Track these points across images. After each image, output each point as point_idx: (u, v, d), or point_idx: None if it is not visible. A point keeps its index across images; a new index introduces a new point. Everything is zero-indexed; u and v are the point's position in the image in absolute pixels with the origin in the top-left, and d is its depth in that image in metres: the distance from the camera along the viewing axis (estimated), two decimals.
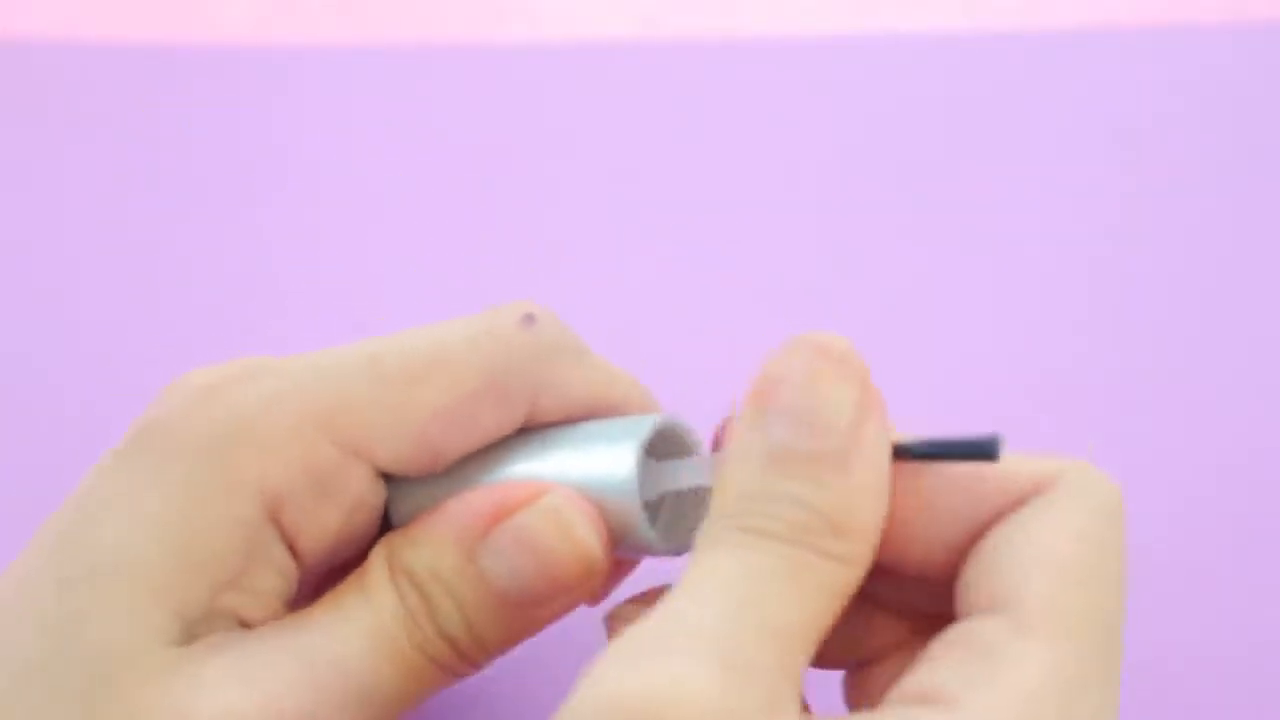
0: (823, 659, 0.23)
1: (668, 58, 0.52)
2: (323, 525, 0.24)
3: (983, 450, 0.21)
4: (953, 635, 0.20)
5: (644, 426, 0.25)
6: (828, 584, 0.20)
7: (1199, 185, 0.44)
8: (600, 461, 0.24)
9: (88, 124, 0.51)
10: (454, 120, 0.49)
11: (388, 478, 0.25)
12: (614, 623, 0.24)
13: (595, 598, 0.28)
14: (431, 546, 0.24)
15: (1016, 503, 0.21)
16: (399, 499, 0.26)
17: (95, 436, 0.38)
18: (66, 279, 0.44)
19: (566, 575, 0.24)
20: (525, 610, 0.24)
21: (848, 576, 0.21)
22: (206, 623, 0.23)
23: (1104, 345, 0.39)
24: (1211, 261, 0.42)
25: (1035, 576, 0.20)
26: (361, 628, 0.23)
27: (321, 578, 0.26)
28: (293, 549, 0.24)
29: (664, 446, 0.26)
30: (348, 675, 0.23)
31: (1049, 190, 0.44)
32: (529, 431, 0.26)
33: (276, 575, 0.24)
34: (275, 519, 0.23)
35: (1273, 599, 0.33)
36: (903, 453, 0.22)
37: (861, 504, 0.21)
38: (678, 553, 0.25)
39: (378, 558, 0.24)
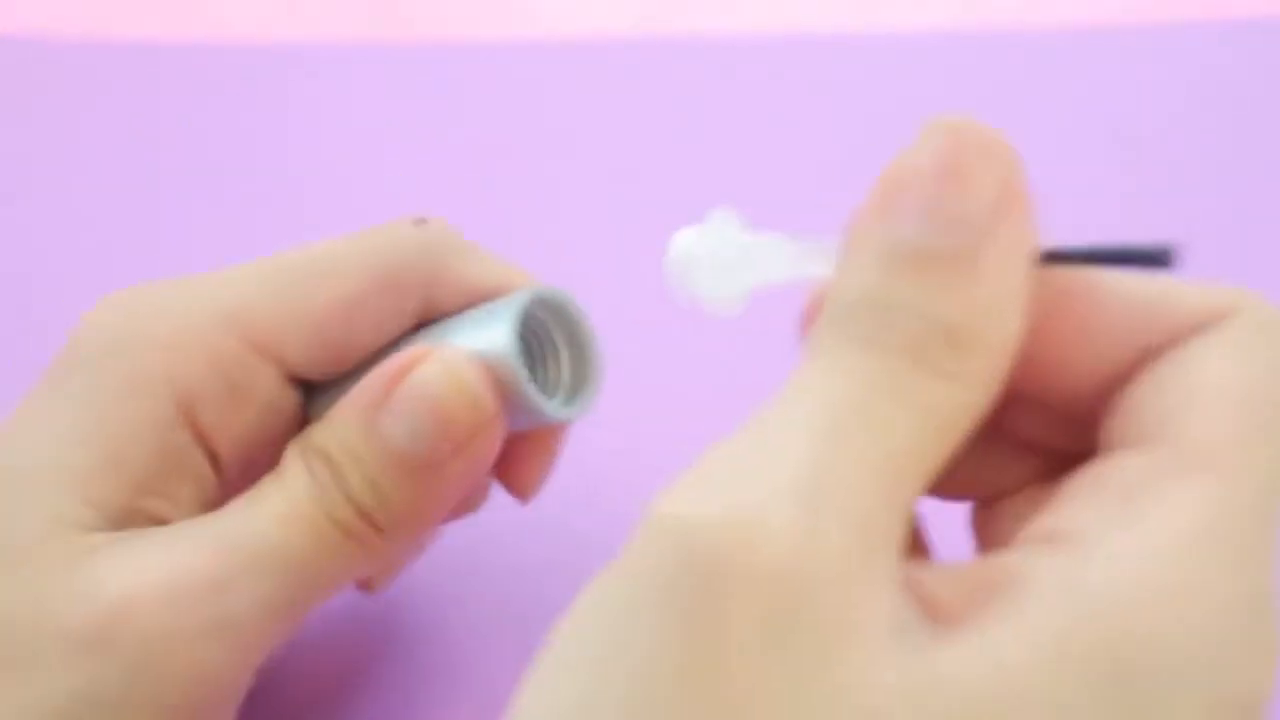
0: (945, 489, 0.20)
1: (666, 56, 0.52)
2: (237, 426, 0.25)
3: (1154, 258, 0.18)
4: (1095, 471, 0.18)
5: (522, 295, 0.26)
6: (944, 407, 0.17)
7: (1198, 184, 0.44)
8: (485, 331, 0.25)
9: (88, 124, 0.51)
10: (454, 118, 0.49)
11: (306, 392, 0.26)
12: None
13: (483, 489, 0.29)
14: (337, 422, 0.24)
15: (1184, 333, 0.19)
16: (317, 411, 0.27)
17: None
18: (67, 279, 0.44)
19: (461, 426, 0.24)
20: (426, 472, 0.24)
21: (968, 400, 0.18)
22: (128, 523, 0.23)
23: None
24: (1213, 261, 0.41)
25: (1200, 408, 0.17)
26: (273, 504, 0.24)
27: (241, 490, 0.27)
28: (210, 454, 0.25)
29: (564, 326, 0.27)
30: (259, 547, 0.23)
31: (1050, 188, 0.44)
32: (426, 325, 0.27)
33: (194, 481, 0.25)
34: (190, 420, 0.24)
35: None
36: (1054, 258, 0.19)
37: (989, 315, 0.18)
38: (570, 419, 0.27)
39: (292, 449, 0.25)
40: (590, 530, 0.35)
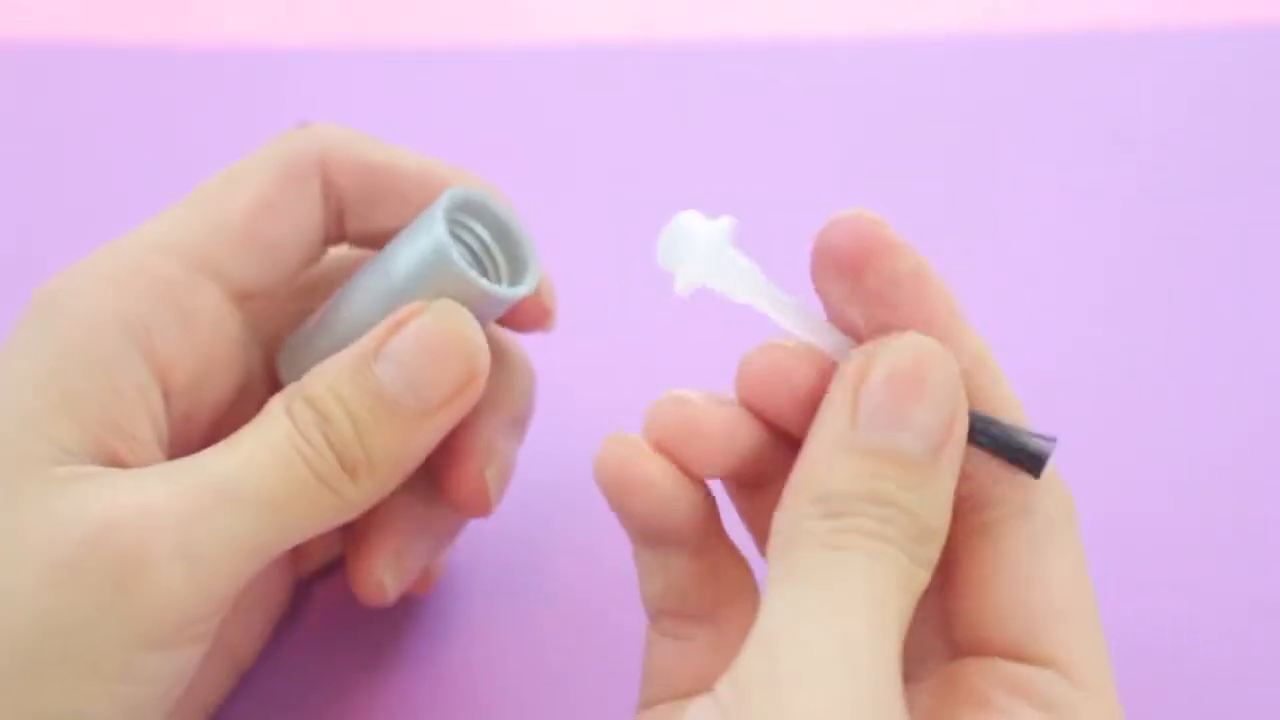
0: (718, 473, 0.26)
1: (664, 60, 0.52)
2: (189, 354, 0.25)
3: (1034, 457, 0.23)
4: (1014, 684, 0.22)
5: (441, 200, 0.27)
6: (919, 590, 0.22)
7: (1202, 187, 0.44)
8: (416, 244, 0.26)
9: (88, 127, 0.51)
10: (452, 122, 0.49)
11: (281, 355, 0.28)
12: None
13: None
14: (329, 370, 0.25)
15: (1004, 509, 0.23)
16: (291, 372, 0.27)
17: None
18: None
19: (454, 378, 0.25)
20: (414, 422, 0.25)
21: (926, 581, 0.22)
22: (92, 463, 0.24)
23: (1106, 346, 0.39)
24: (1213, 262, 0.42)
25: (1072, 635, 0.23)
26: (249, 448, 0.24)
27: (203, 435, 0.27)
28: (164, 389, 0.26)
29: (487, 221, 0.29)
30: (232, 487, 0.24)
31: (1051, 192, 0.44)
32: (366, 262, 0.28)
33: (150, 420, 0.25)
34: (147, 352, 0.25)
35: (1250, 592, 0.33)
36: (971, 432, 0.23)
37: (945, 511, 0.22)
38: (521, 295, 0.28)
39: (276, 399, 0.25)
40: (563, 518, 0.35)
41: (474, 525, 0.32)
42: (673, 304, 0.43)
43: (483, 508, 0.29)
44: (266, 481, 0.24)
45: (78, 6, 0.58)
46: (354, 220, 0.28)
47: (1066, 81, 0.48)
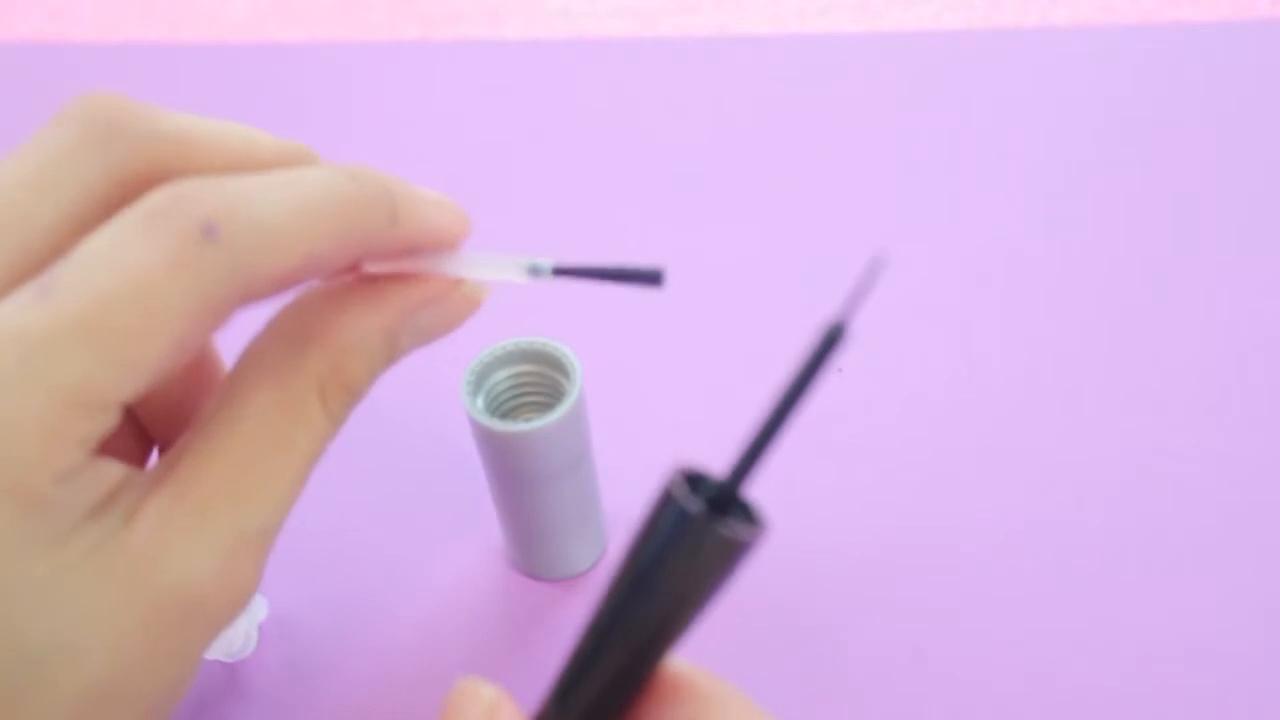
0: None
1: (664, 55, 0.52)
2: (92, 449, 0.23)
3: (648, 278, 0.23)
4: None
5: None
6: None
7: (1192, 183, 0.44)
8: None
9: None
10: (452, 115, 0.49)
11: None
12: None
13: None
14: (362, 346, 0.25)
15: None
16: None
17: None
18: None
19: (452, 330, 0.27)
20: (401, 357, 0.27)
21: None
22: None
23: (1092, 337, 0.39)
24: (1209, 257, 0.42)
25: None
26: (302, 446, 0.25)
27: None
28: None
29: None
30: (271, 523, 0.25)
31: (1039, 183, 0.44)
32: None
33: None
34: (62, 478, 0.23)
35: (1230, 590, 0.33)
36: (562, 272, 0.25)
37: None
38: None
39: (307, 388, 0.25)
40: None
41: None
42: (672, 298, 0.43)
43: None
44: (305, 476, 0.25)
45: (78, 9, 0.58)
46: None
47: (1062, 76, 0.48)
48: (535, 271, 0.27)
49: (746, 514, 0.19)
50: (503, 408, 0.31)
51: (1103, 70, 0.49)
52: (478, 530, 0.36)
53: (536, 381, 0.31)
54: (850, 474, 0.36)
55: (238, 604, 0.24)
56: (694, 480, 0.19)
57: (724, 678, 0.22)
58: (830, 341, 0.18)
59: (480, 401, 0.31)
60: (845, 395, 0.38)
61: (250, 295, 0.23)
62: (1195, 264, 0.41)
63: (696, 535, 0.19)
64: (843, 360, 0.39)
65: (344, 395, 0.25)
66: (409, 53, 0.53)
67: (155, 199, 0.23)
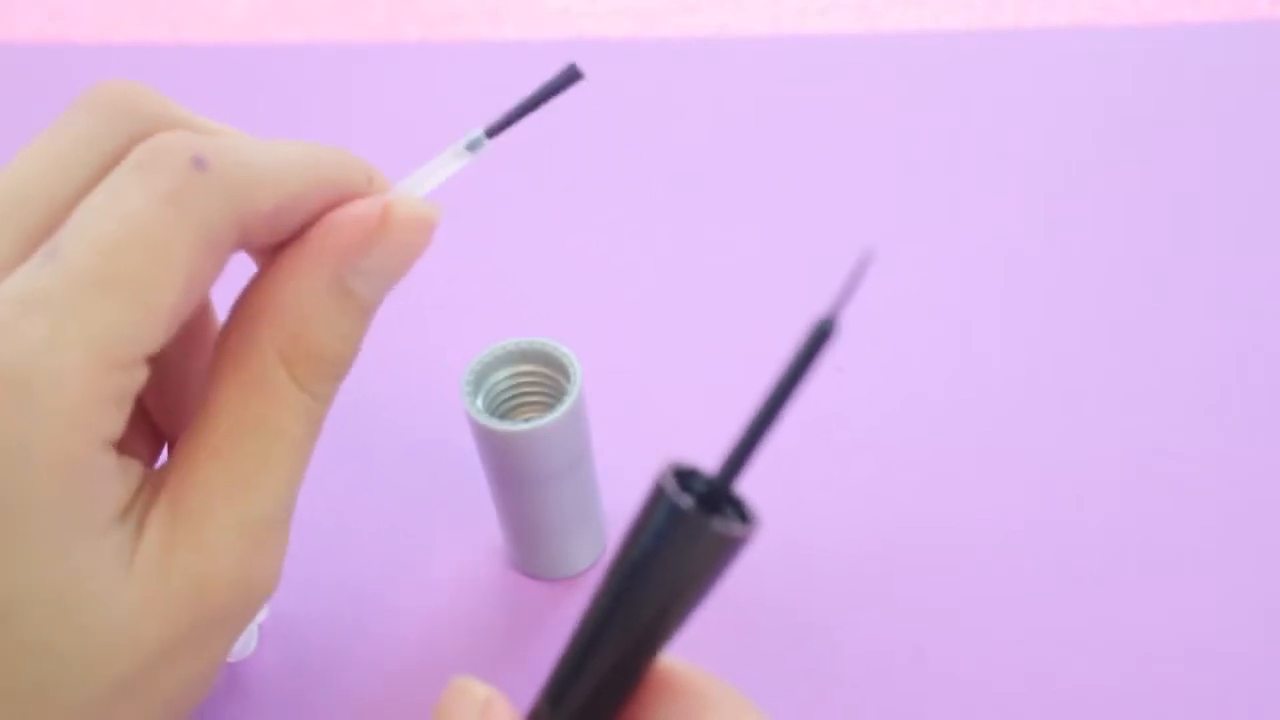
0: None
1: (664, 55, 0.52)
2: (128, 413, 0.23)
3: (565, 75, 0.24)
4: None
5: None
6: None
7: (1191, 183, 0.44)
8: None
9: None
10: (452, 116, 0.49)
11: None
12: None
13: None
14: (312, 310, 0.24)
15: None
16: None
17: None
18: None
19: (417, 258, 0.25)
20: (374, 308, 0.25)
21: None
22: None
23: (1092, 337, 0.39)
24: (1208, 257, 0.42)
25: None
26: (280, 424, 0.24)
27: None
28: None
29: None
30: (280, 512, 0.24)
31: (1046, 186, 0.44)
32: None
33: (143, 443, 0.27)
34: (106, 445, 0.23)
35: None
36: (494, 131, 0.26)
37: None
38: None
39: (271, 361, 0.24)
40: None
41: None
42: (672, 298, 0.43)
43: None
44: (299, 434, 0.24)
45: (78, 10, 0.58)
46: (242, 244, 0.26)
47: (1062, 76, 0.48)
48: (474, 146, 0.27)
49: (739, 509, 0.19)
50: (502, 408, 0.31)
51: (1102, 71, 0.49)
52: (477, 530, 0.36)
53: (536, 381, 0.31)
54: (850, 473, 0.36)
55: (255, 598, 0.24)
56: (685, 476, 0.19)
57: (722, 676, 0.22)
58: (819, 338, 0.18)
59: (480, 401, 0.31)
60: (845, 395, 0.38)
61: (249, 229, 0.23)
62: (1195, 264, 0.41)
63: (688, 531, 0.19)
64: (842, 359, 0.39)
65: (313, 364, 0.24)
66: (409, 53, 0.54)
67: (143, 147, 0.23)
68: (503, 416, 0.31)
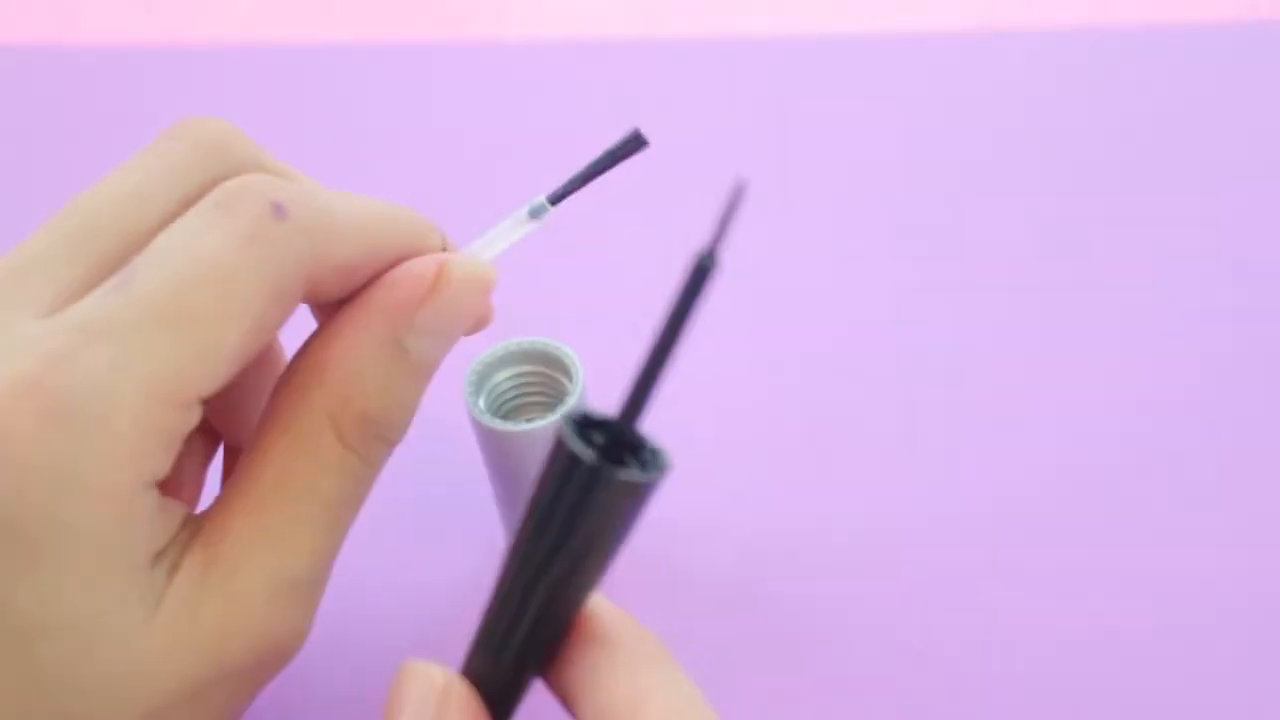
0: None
1: (666, 56, 0.52)
2: (176, 453, 0.23)
3: (631, 141, 0.24)
4: None
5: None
6: None
7: (1190, 184, 0.44)
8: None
9: (87, 128, 0.51)
10: (453, 117, 0.49)
11: None
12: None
13: None
14: (367, 369, 0.23)
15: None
16: None
17: None
18: None
19: (473, 320, 0.25)
20: (433, 369, 0.25)
21: None
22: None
23: (1093, 337, 0.39)
24: (1207, 257, 0.42)
25: None
26: (325, 492, 0.24)
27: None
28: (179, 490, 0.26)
29: None
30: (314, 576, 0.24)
31: (1046, 187, 0.44)
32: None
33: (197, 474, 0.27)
34: (150, 485, 0.22)
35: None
36: (566, 192, 0.26)
37: None
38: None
39: (321, 424, 0.23)
40: None
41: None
42: (671, 291, 0.43)
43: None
44: (347, 495, 0.24)
45: (78, 11, 0.58)
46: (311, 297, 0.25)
47: (1062, 77, 0.48)
48: (538, 213, 0.27)
49: (649, 453, 0.19)
50: (504, 408, 0.31)
51: (1102, 71, 0.49)
52: (479, 530, 0.36)
53: (538, 382, 0.31)
54: (851, 472, 0.36)
55: (279, 655, 0.24)
56: (587, 425, 0.19)
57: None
58: (700, 275, 0.18)
59: (482, 402, 0.31)
60: (846, 395, 0.38)
61: (318, 281, 0.23)
62: (1196, 264, 0.41)
63: (591, 482, 0.18)
64: (843, 360, 0.39)
65: (364, 426, 0.24)
66: (410, 53, 0.53)
67: (226, 188, 0.23)
68: (505, 417, 0.31)
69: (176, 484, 0.28)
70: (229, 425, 0.28)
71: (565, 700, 0.21)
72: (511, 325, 0.36)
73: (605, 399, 0.37)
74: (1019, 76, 0.49)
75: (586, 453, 0.18)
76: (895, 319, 0.41)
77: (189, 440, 0.28)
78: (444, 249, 0.26)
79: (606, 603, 0.21)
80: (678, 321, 0.18)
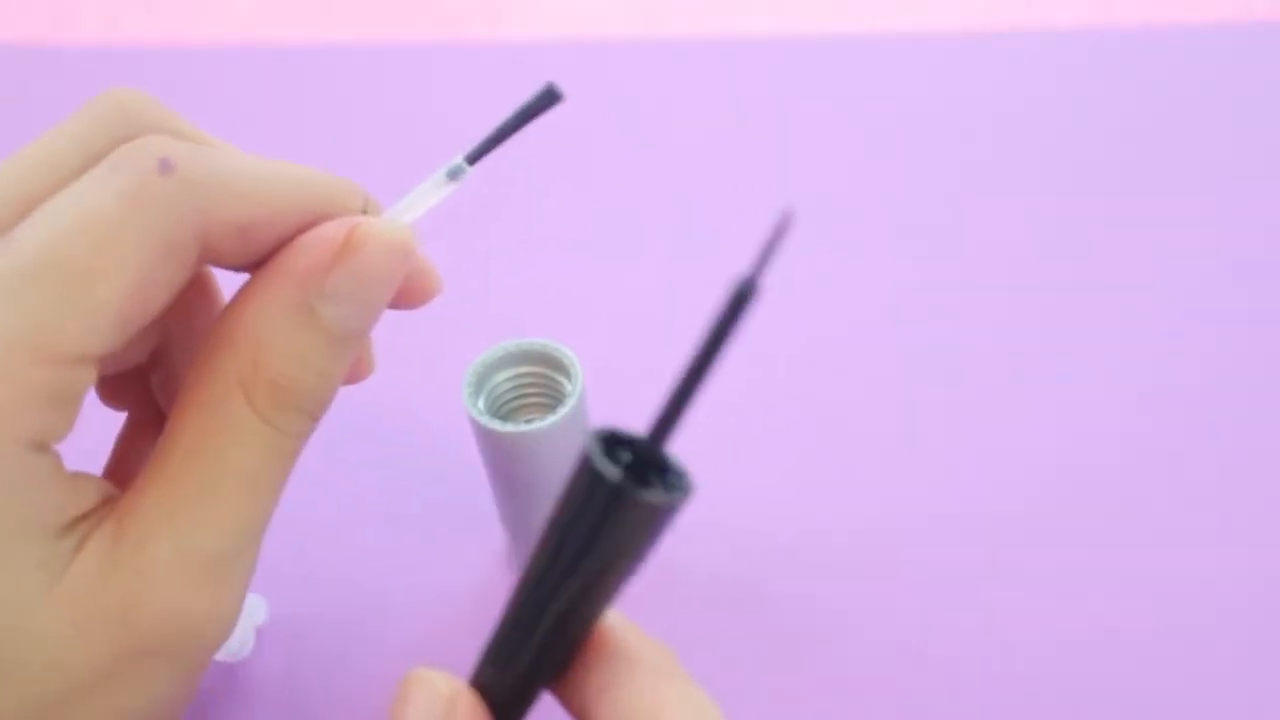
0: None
1: (666, 57, 0.52)
2: (71, 418, 0.22)
3: (544, 96, 0.25)
4: None
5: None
6: None
7: (1189, 183, 0.44)
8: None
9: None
10: (453, 117, 0.49)
11: None
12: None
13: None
14: (275, 334, 0.23)
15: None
16: None
17: None
18: None
19: (395, 286, 0.23)
20: (356, 342, 0.23)
21: None
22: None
23: (1095, 337, 0.39)
24: (1205, 256, 0.42)
25: None
26: (238, 460, 0.23)
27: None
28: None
29: None
30: (252, 536, 0.23)
31: (1046, 188, 0.44)
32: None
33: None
34: (38, 446, 0.22)
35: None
36: (482, 152, 0.26)
37: None
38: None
39: (230, 387, 0.23)
40: None
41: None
42: (674, 299, 0.43)
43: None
44: (263, 468, 0.23)
45: (77, 11, 0.57)
46: (211, 258, 0.24)
47: (1066, 76, 0.48)
48: (455, 174, 0.26)
49: (673, 475, 0.19)
50: (504, 409, 0.31)
51: (1102, 72, 0.49)
52: (479, 532, 0.36)
53: (538, 383, 0.31)
54: (851, 472, 0.36)
55: (196, 634, 0.23)
56: (614, 442, 0.19)
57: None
58: (740, 300, 0.17)
59: (481, 403, 0.31)
60: (847, 396, 0.38)
61: (215, 240, 0.22)
62: (1196, 265, 0.41)
63: (615, 502, 0.18)
64: (844, 361, 0.39)
65: (275, 394, 0.23)
66: (409, 53, 0.53)
67: (117, 150, 0.22)
68: (504, 418, 0.31)
69: (127, 470, 0.27)
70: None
71: (577, 714, 0.21)
72: (511, 326, 0.36)
73: (605, 399, 0.37)
74: (1019, 76, 0.49)
75: (611, 471, 0.18)
76: (895, 319, 0.41)
77: (140, 427, 0.27)
78: (365, 213, 0.25)
79: (620, 616, 0.21)
80: (714, 345, 0.18)
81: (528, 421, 0.30)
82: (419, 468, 0.37)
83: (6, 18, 0.58)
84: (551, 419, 0.29)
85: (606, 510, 0.18)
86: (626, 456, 0.19)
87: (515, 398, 0.32)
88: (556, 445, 0.30)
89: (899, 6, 0.53)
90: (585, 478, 0.18)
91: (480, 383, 0.31)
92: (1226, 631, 0.32)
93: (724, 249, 0.43)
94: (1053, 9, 0.52)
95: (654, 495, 0.18)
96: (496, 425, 0.29)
